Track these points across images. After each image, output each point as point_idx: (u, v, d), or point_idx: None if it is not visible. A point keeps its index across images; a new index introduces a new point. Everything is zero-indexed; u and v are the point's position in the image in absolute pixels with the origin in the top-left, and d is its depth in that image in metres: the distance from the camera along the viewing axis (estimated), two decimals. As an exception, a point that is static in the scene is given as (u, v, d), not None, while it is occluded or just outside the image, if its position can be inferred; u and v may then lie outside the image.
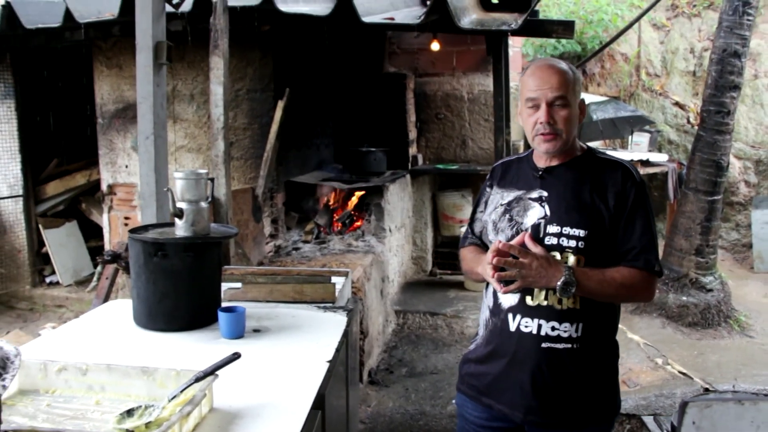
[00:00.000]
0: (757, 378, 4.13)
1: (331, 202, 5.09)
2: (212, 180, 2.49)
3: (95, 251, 6.16)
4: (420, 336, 4.79)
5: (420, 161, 6.03)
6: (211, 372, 1.70)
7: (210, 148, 4.94)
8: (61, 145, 6.06)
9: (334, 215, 5.01)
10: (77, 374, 1.77)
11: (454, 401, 3.90)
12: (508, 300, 1.91)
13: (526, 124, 1.92)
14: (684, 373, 4.08)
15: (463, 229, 5.72)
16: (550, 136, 1.86)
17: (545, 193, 1.91)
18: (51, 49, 5.52)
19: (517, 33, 3.69)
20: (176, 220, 2.42)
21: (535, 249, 1.79)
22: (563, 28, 3.62)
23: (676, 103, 7.81)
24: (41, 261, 5.92)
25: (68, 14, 4.39)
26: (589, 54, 7.22)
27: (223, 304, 2.48)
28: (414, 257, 5.98)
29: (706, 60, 7.99)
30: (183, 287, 2.34)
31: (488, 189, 2.08)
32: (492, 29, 3.50)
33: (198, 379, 1.67)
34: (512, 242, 1.84)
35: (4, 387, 1.14)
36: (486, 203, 2.07)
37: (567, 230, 1.84)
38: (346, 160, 5.52)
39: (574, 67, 1.95)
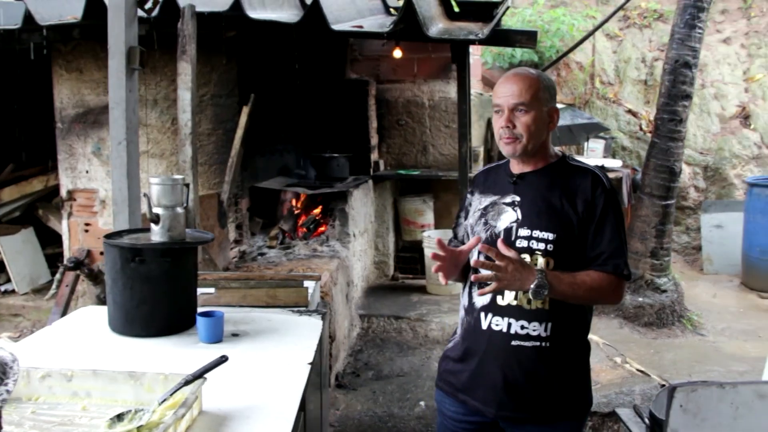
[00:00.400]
0: (709, 374, 4.30)
1: (295, 208, 5.10)
2: (188, 186, 2.50)
3: (52, 258, 6.03)
4: (385, 339, 4.84)
5: (381, 167, 6.09)
6: (200, 375, 1.72)
7: (173, 154, 4.93)
8: (17, 149, 5.93)
9: (299, 220, 5.03)
10: (62, 380, 1.77)
11: (422, 403, 3.98)
12: (481, 300, 2.00)
13: (494, 129, 2.03)
14: (642, 371, 4.22)
15: (425, 234, 5.76)
16: (509, 139, 1.96)
17: (518, 198, 2.00)
18: (6, 52, 5.39)
19: (483, 42, 3.79)
20: (152, 225, 2.42)
21: (509, 253, 1.86)
22: (526, 38, 3.73)
23: (629, 111, 8.06)
24: (-5, 269, 5.77)
25: (28, 16, 4.31)
26: (546, 63, 7.40)
27: (199, 309, 2.50)
28: (376, 262, 6.04)
29: (656, 69, 8.28)
30: (161, 292, 2.35)
31: (470, 196, 2.18)
32: (460, 38, 3.59)
33: (187, 383, 1.69)
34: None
35: (9, 392, 1.15)
36: (468, 209, 2.16)
37: (537, 233, 1.93)
38: (308, 166, 5.54)
39: (547, 76, 2.05)
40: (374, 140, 6.09)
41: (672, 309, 5.05)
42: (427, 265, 5.58)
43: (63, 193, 5.25)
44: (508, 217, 1.98)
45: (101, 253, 5.15)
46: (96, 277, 4.42)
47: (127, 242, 2.37)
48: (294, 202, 5.12)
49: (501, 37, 3.73)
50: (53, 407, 1.73)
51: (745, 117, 8.02)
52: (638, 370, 4.26)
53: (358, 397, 4.03)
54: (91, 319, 2.59)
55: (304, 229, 4.92)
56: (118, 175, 2.76)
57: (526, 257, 1.92)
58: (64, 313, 4.69)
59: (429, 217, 6.10)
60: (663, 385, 3.98)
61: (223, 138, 4.77)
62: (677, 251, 6.85)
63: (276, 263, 4.35)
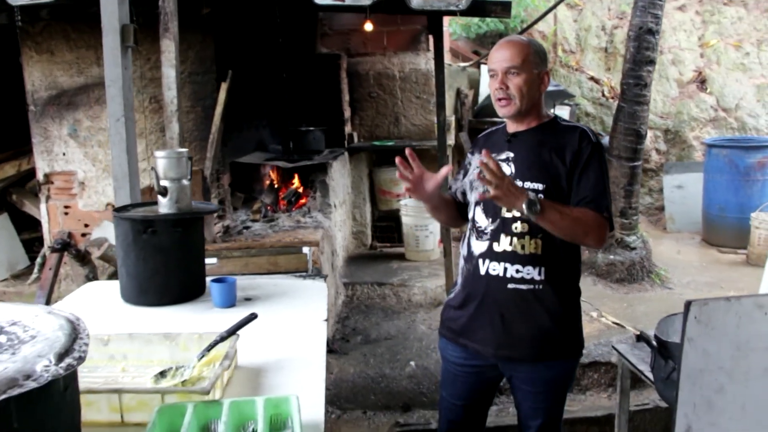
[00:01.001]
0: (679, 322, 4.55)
1: (276, 181, 5.18)
2: (191, 158, 2.58)
3: (29, 243, 6.00)
4: (369, 306, 4.98)
5: (355, 139, 6.18)
6: (233, 332, 1.82)
7: (152, 132, 4.95)
8: (-13, 135, 5.85)
9: (280, 194, 5.11)
10: (99, 345, 1.84)
11: (412, 363, 4.15)
12: (479, 247, 2.17)
13: (491, 92, 2.17)
14: (617, 323, 4.46)
15: (402, 202, 5.91)
16: (504, 101, 2.12)
17: (512, 154, 2.17)
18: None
19: (463, 13, 3.91)
20: (160, 198, 2.50)
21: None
22: (501, 8, 3.86)
23: (591, 78, 8.28)
24: (-28, 255, 5.72)
25: (-1, -3, 4.25)
26: (511, 32, 7.53)
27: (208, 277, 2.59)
28: (355, 232, 6.16)
29: (616, 37, 8.50)
30: (173, 262, 2.44)
31: (470, 156, 2.34)
32: (441, 9, 3.70)
33: (222, 339, 1.80)
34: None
35: (86, 345, 1.24)
36: (467, 167, 2.33)
37: (528, 184, 2.10)
38: (285, 140, 5.60)
39: (537, 42, 2.21)
40: (347, 113, 6.17)
41: (641, 265, 5.30)
42: (404, 233, 5.72)
43: (40, 176, 5.22)
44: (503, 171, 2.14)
45: (83, 235, 5.17)
46: (83, 258, 4.46)
47: (140, 214, 2.44)
48: (273, 175, 5.19)
49: (478, 8, 3.85)
50: (93, 370, 1.80)
51: (701, 81, 8.31)
52: (614, 322, 4.49)
53: (349, 361, 4.17)
54: (100, 293, 2.66)
55: (286, 202, 5.00)
56: (118, 151, 2.81)
57: None
58: (48, 297, 4.69)
59: (403, 187, 6.21)
60: (638, 335, 4.21)
61: (202, 115, 4.81)
62: (641, 212, 7.09)
63: (262, 236, 4.44)
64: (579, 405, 3.93)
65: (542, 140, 2.14)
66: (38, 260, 5.41)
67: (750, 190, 6.48)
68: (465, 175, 2.33)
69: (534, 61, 2.12)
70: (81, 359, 1.22)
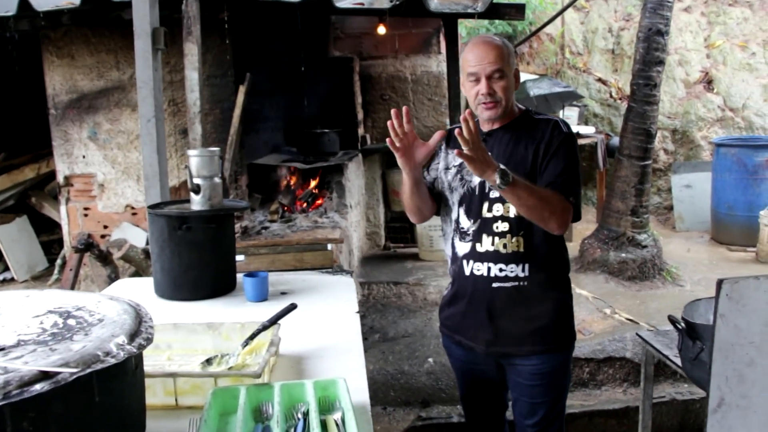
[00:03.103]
0: (692, 320, 4.61)
1: (292, 183, 5.26)
2: (222, 157, 2.66)
3: (47, 246, 6.09)
4: (386, 305, 5.05)
5: (368, 141, 6.26)
6: (275, 321, 1.90)
7: (170, 135, 5.04)
8: (8, 138, 5.95)
9: (296, 195, 5.19)
10: (144, 334, 1.92)
11: (430, 359, 4.21)
12: (462, 249, 2.20)
13: (469, 94, 2.18)
14: (630, 319, 4.52)
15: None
16: (491, 104, 2.12)
17: (488, 153, 2.16)
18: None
19: (481, 15, 3.98)
20: (192, 195, 2.58)
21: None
22: (515, 11, 3.95)
23: (599, 79, 8.36)
24: (-8, 258, 5.82)
25: (24, 2, 4.33)
26: (520, 35, 7.63)
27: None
28: (368, 233, 6.24)
29: (622, 39, 8.58)
30: (206, 257, 2.51)
31: (442, 147, 2.30)
32: (459, 12, 3.78)
33: (264, 328, 1.87)
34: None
35: (152, 327, 1.32)
36: (440, 159, 2.30)
37: None
38: (299, 142, 5.68)
39: (506, 40, 2.22)
40: (360, 115, 6.25)
41: (653, 263, 5.36)
42: (418, 233, 5.79)
43: (60, 179, 5.31)
44: None
45: (102, 237, 5.25)
46: (105, 258, 4.54)
47: (175, 211, 2.52)
48: (290, 177, 5.28)
49: (494, 11, 3.93)
50: (140, 358, 1.88)
51: (708, 82, 8.38)
52: (627, 318, 4.55)
53: (369, 358, 4.23)
54: (132, 290, 2.73)
55: (303, 203, 5.08)
56: (149, 151, 2.90)
57: (499, 207, 2.13)
58: (70, 296, 4.78)
59: (416, 188, 6.29)
60: (651, 330, 4.28)
61: (221, 117, 4.90)
62: (650, 211, 7.17)
63: (281, 236, 4.51)
64: (595, 400, 4.00)
65: (516, 135, 2.15)
66: (58, 261, 5.50)
67: (758, 188, 6.54)
68: (439, 165, 2.30)
69: (511, 62, 2.14)
70: (149, 340, 1.30)
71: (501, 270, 2.13)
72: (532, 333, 2.17)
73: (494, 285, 2.14)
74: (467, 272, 2.19)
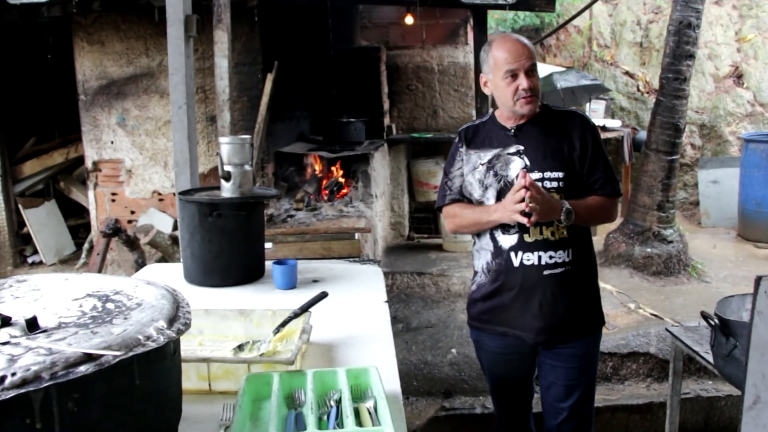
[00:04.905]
0: (718, 317, 4.57)
1: (318, 171, 5.28)
2: (252, 145, 2.67)
3: (74, 230, 6.18)
4: (409, 295, 5.07)
5: (394, 131, 6.26)
6: (306, 309, 1.92)
7: (198, 122, 5.07)
8: (38, 123, 6.03)
9: (322, 183, 5.21)
10: (176, 319, 1.95)
11: (453, 350, 4.22)
12: (508, 241, 2.23)
13: (505, 92, 2.21)
14: (655, 315, 4.49)
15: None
16: (531, 98, 2.20)
17: (521, 147, 2.24)
18: (26, 26, 5.46)
19: (512, 7, 3.97)
20: (223, 182, 2.60)
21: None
22: (546, 2, 3.92)
23: (626, 73, 8.26)
24: (21, 241, 5.91)
25: (56, -10, 4.40)
26: (547, 27, 7.56)
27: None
28: (392, 223, 6.25)
29: (651, 32, 8.47)
30: (236, 244, 2.53)
31: (460, 149, 2.34)
32: (490, 3, 3.76)
33: (296, 315, 1.89)
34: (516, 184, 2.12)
35: (189, 312, 1.34)
36: (462, 162, 2.32)
37: (548, 174, 2.20)
38: (325, 131, 5.69)
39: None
40: (386, 105, 6.25)
41: (678, 258, 5.31)
42: (441, 224, 5.79)
43: (88, 164, 5.38)
44: (517, 165, 2.21)
45: (129, 222, 5.32)
46: (132, 243, 4.60)
47: (206, 198, 2.54)
48: (316, 165, 5.29)
49: (523, 2, 3.91)
50: (172, 343, 1.90)
51: (738, 76, 8.25)
52: (651, 314, 4.52)
53: (391, 348, 4.26)
54: (161, 275, 2.76)
55: (328, 192, 5.10)
56: (180, 137, 2.92)
57: None
58: (97, 280, 4.84)
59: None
60: (675, 326, 4.25)
61: (248, 105, 4.93)
62: (676, 207, 7.10)
63: (307, 224, 4.53)
64: (618, 394, 3.99)
65: (546, 129, 2.25)
66: (85, 246, 5.58)
67: (788, 185, 6.44)
68: (463, 168, 2.33)
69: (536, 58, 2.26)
70: (187, 325, 1.31)
71: (551, 257, 2.20)
72: (578, 317, 2.26)
73: (545, 273, 2.20)
74: (516, 264, 2.21)
